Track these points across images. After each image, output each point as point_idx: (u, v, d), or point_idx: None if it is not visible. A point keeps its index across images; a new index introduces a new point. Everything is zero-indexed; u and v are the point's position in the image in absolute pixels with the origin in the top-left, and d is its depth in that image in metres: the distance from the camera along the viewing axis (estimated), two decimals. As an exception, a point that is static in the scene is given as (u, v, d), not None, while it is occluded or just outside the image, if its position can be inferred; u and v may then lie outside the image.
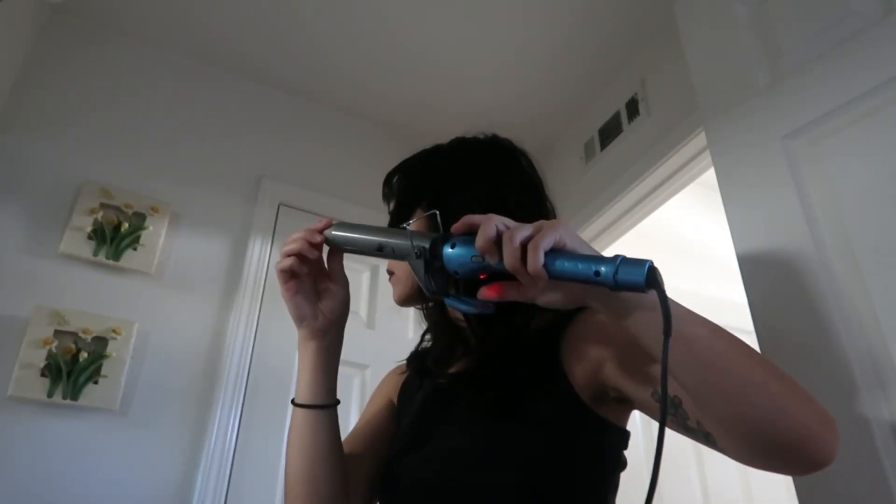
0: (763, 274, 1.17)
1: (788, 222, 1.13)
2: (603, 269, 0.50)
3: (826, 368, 1.02)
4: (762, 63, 1.27)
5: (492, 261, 0.56)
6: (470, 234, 0.59)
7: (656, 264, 0.51)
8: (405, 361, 0.93)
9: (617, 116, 2.18)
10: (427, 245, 0.62)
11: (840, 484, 0.97)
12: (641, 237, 2.34)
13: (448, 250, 0.60)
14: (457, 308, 0.64)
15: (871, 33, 1.09)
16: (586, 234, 2.23)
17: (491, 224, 0.56)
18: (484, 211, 0.64)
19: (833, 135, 1.12)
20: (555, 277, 0.53)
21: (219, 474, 1.66)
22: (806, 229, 1.10)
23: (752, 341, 2.39)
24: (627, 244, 2.29)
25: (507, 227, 0.55)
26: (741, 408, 0.52)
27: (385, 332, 2.09)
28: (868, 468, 0.93)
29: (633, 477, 0.77)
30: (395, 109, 2.41)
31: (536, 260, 0.52)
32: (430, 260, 0.62)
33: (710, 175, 1.40)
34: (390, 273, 0.87)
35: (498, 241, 0.55)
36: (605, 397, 0.70)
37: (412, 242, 0.63)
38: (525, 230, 0.54)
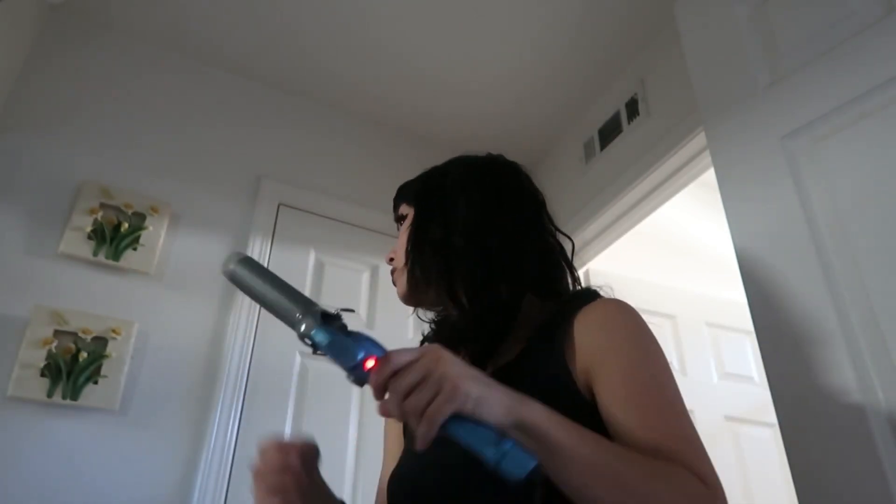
0: (762, 273, 1.17)
1: (788, 222, 1.13)
2: (489, 452, 0.52)
3: (825, 367, 1.02)
4: (762, 63, 1.27)
5: (377, 398, 0.56)
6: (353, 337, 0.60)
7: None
8: None
9: (617, 116, 2.18)
10: (309, 331, 0.61)
11: (839, 482, 0.97)
12: (641, 237, 2.34)
13: (319, 337, 0.60)
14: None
15: (871, 33, 1.09)
16: (586, 234, 2.22)
17: (385, 370, 0.55)
18: (481, 224, 0.75)
19: (833, 135, 1.12)
20: (445, 435, 0.54)
21: (219, 474, 1.66)
22: (805, 229, 1.10)
23: (751, 341, 2.36)
24: (628, 244, 2.30)
25: (406, 381, 0.54)
26: None
27: (385, 332, 2.08)
28: (865, 463, 0.93)
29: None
30: (395, 111, 2.41)
31: (430, 433, 0.52)
32: (311, 344, 0.62)
33: (710, 175, 1.39)
34: (392, 270, 0.89)
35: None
36: None
37: (298, 317, 0.62)
38: (425, 392, 0.53)
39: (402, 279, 0.87)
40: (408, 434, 0.88)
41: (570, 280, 0.88)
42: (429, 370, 0.54)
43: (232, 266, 0.67)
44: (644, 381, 0.67)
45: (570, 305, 0.77)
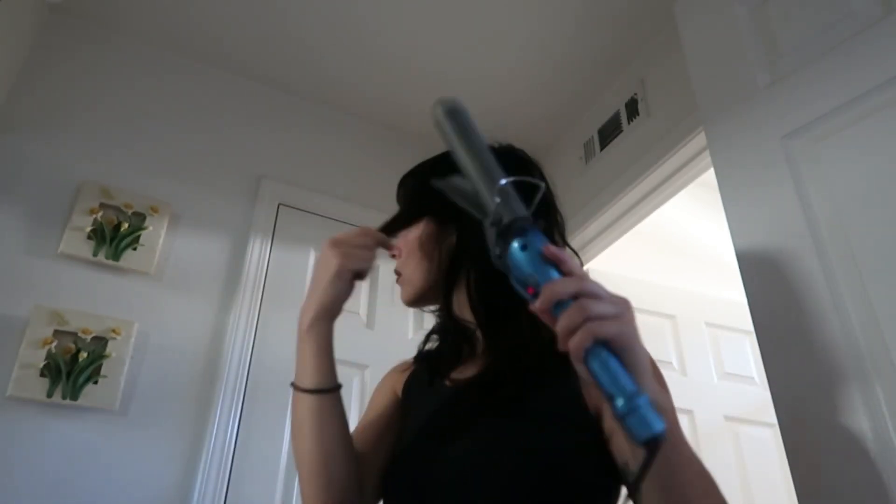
0: (762, 273, 1.17)
1: (788, 222, 1.13)
2: (619, 401, 0.47)
3: (824, 367, 1.02)
4: (762, 63, 1.27)
5: (542, 308, 0.50)
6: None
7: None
8: (412, 359, 0.93)
9: (617, 116, 2.18)
10: (506, 223, 0.54)
11: (839, 482, 0.97)
12: (641, 237, 2.34)
13: (515, 247, 0.53)
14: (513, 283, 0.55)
15: (871, 33, 1.09)
16: (586, 234, 2.23)
17: (570, 285, 0.49)
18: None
19: (833, 135, 1.12)
20: (584, 366, 0.49)
21: (219, 474, 1.66)
22: (805, 229, 1.10)
23: (751, 341, 2.36)
24: (628, 244, 2.30)
25: (584, 293, 0.49)
26: None
27: (384, 332, 2.09)
28: (864, 463, 0.93)
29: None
30: (395, 110, 2.41)
31: (579, 351, 0.48)
32: (500, 238, 0.54)
33: (710, 175, 1.39)
34: (398, 273, 0.88)
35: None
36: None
37: (496, 204, 0.55)
38: (600, 307, 0.48)
39: (408, 289, 0.86)
40: (409, 416, 0.87)
41: None
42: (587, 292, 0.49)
43: (439, 113, 0.62)
44: None
45: None
